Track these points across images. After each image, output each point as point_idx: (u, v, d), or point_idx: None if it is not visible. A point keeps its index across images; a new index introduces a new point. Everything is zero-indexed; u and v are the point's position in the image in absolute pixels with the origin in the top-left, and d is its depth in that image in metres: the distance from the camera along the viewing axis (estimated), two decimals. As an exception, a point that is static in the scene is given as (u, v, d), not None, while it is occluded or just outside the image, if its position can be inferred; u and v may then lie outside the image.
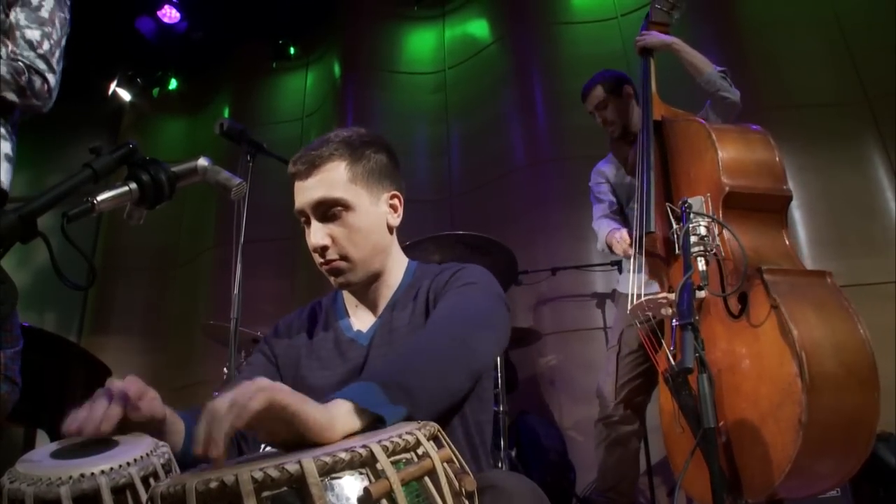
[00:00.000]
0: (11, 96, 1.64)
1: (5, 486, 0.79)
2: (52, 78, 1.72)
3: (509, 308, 1.22)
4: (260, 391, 0.72)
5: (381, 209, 1.27)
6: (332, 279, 1.26)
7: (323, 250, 1.21)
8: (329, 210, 1.21)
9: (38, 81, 1.68)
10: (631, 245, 2.34)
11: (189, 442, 1.05)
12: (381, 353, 1.22)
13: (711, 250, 1.67)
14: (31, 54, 1.68)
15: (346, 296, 1.36)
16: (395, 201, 1.30)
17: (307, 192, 1.22)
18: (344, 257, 1.22)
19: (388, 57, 5.29)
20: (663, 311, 1.96)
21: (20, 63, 1.65)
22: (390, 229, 1.29)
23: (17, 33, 1.68)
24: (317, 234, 1.21)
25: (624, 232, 2.47)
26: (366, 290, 1.31)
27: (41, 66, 1.69)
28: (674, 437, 1.99)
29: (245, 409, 0.69)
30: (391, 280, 1.31)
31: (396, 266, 1.33)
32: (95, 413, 0.90)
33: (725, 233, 1.88)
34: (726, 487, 1.68)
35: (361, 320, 1.31)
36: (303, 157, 1.24)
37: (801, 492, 1.69)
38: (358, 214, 1.22)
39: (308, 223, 1.24)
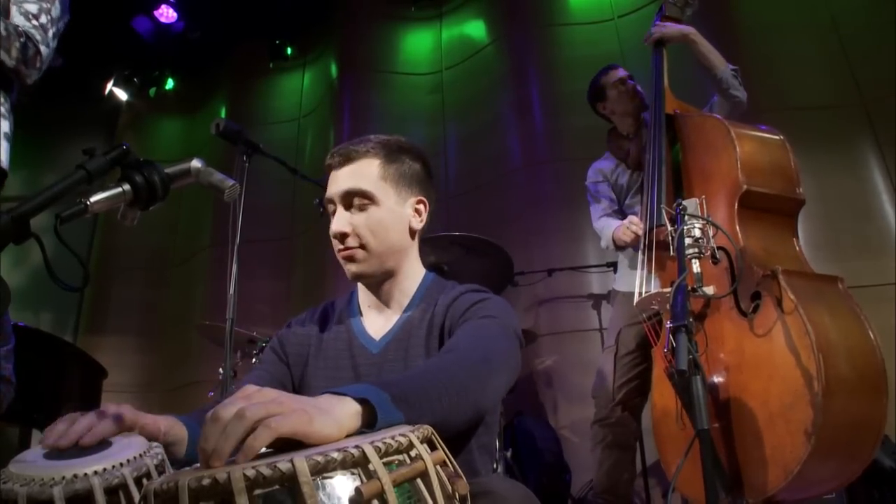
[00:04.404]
0: (4, 56, 1.61)
1: (-2, 486, 0.78)
2: (44, 51, 1.70)
3: (523, 345, 1.23)
4: (265, 426, 0.67)
5: (406, 211, 1.32)
6: (346, 267, 1.30)
7: (342, 237, 1.27)
8: (355, 201, 1.27)
9: (31, 50, 1.67)
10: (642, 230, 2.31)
11: (193, 449, 1.06)
12: (395, 368, 1.24)
13: (706, 252, 1.67)
14: (28, 24, 1.67)
15: (361, 297, 1.39)
16: (421, 206, 1.34)
17: (339, 181, 1.29)
18: (362, 246, 1.27)
19: (384, 57, 5.30)
20: (669, 306, 1.97)
21: (21, 27, 1.65)
22: (412, 232, 1.33)
23: (14, 7, 1.67)
24: (340, 220, 1.27)
25: (634, 217, 2.44)
26: (378, 287, 1.34)
27: (36, 36, 1.68)
28: (664, 435, 1.99)
29: (250, 448, 0.66)
30: (405, 284, 1.34)
31: (412, 271, 1.35)
32: (77, 426, 0.89)
33: (738, 229, 1.88)
34: (726, 486, 1.68)
35: (374, 324, 1.33)
36: (340, 150, 1.31)
37: (801, 494, 1.69)
38: (382, 209, 1.28)
39: (334, 213, 1.30)
